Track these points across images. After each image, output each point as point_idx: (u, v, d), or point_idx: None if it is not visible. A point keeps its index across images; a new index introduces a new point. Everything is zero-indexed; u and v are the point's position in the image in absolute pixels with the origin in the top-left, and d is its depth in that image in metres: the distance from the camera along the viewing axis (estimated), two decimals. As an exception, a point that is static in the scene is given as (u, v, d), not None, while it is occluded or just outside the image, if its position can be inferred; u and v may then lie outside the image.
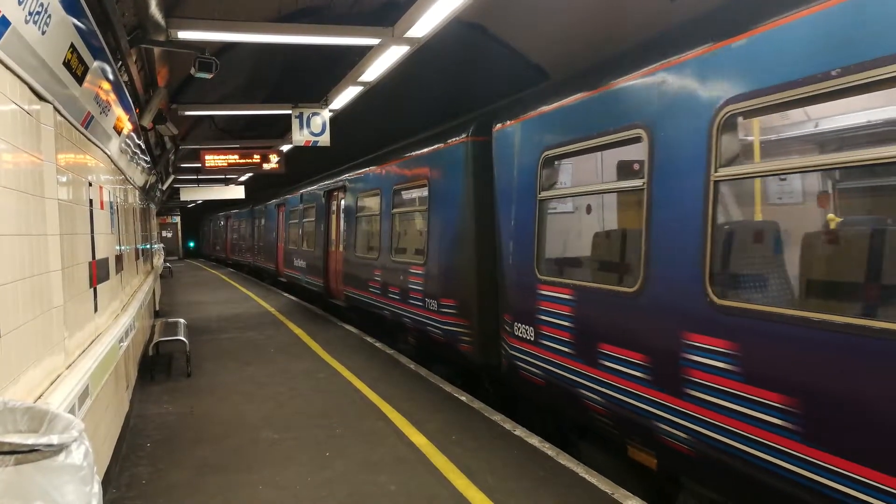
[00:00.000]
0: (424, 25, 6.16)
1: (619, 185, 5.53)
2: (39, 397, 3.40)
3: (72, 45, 3.93)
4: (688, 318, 4.09)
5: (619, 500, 4.53)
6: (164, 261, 28.70)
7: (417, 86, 11.50)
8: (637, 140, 4.63)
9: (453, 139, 8.00)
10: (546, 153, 5.82)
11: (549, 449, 5.56)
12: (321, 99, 10.08)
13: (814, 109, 4.16)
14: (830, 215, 4.72)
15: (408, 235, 10.00)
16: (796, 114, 4.26)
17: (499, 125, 6.86)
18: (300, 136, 10.21)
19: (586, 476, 4.95)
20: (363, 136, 14.47)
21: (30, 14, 3.04)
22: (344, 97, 9.59)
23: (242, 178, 23.46)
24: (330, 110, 10.26)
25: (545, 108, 5.96)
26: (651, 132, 4.45)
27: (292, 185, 19.84)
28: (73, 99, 4.51)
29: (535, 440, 5.78)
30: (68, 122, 4.72)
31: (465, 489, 4.79)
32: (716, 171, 3.91)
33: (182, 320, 10.84)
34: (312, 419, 6.61)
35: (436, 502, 4.60)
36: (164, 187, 21.23)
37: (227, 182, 25.06)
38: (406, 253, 9.78)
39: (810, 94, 3.32)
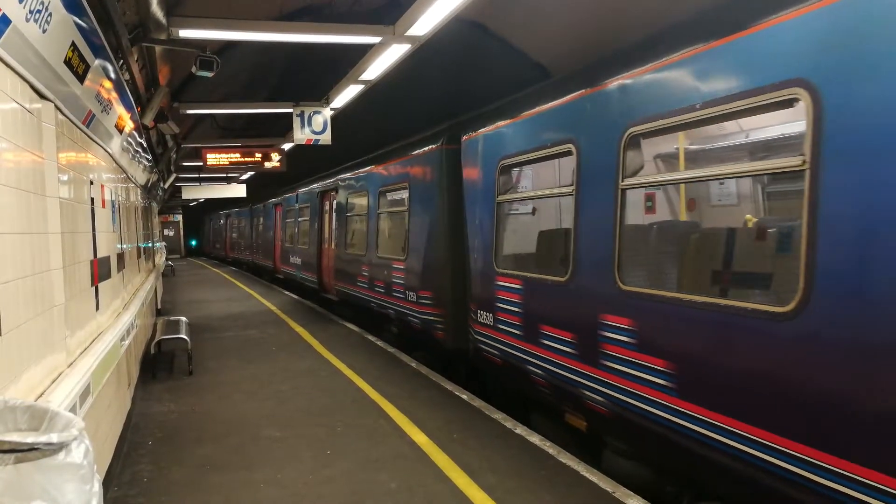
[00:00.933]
0: (425, 24, 6.15)
1: (556, 191, 6.27)
2: (40, 396, 3.41)
3: (73, 44, 3.92)
4: (603, 302, 4.97)
5: (621, 499, 4.52)
6: (166, 259, 28.72)
7: (418, 84, 11.50)
8: (569, 153, 5.53)
9: (429, 147, 8.93)
10: (502, 161, 6.71)
11: (549, 447, 5.56)
12: (322, 97, 10.08)
13: (689, 133, 5.01)
14: (694, 216, 5.77)
15: (391, 234, 10.81)
16: (679, 136, 5.05)
17: (466, 136, 7.74)
18: (301, 135, 10.21)
19: (587, 475, 4.95)
20: (364, 134, 14.47)
21: (31, 12, 3.04)
22: (345, 96, 9.58)
23: (244, 177, 23.48)
24: (331, 109, 10.26)
25: (501, 123, 6.84)
26: (578, 147, 5.36)
27: (290, 185, 20.49)
28: (74, 97, 4.51)
29: (535, 438, 5.78)
30: (70, 120, 4.72)
31: (466, 487, 4.79)
32: (622, 181, 4.79)
33: (184, 318, 10.86)
34: (314, 417, 6.62)
35: (437, 500, 4.61)
36: (166, 186, 21.25)
37: (228, 180, 25.09)
38: (390, 250, 10.61)
39: (686, 121, 4.21)
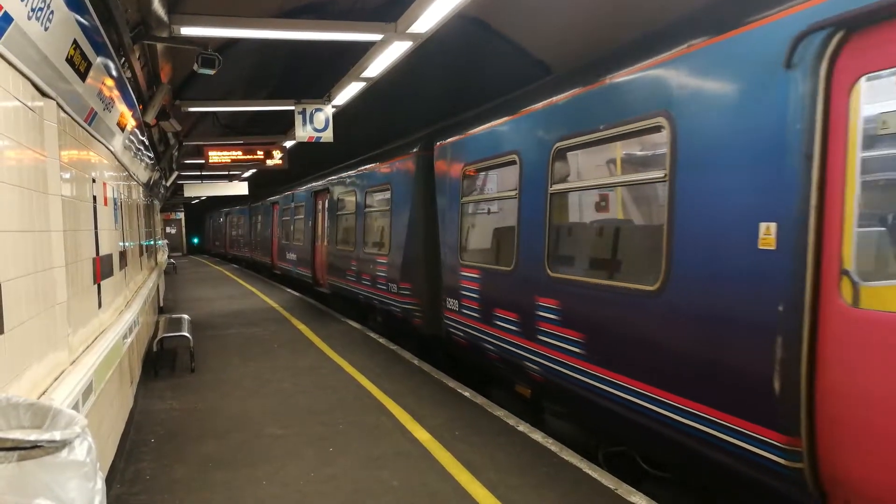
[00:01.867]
0: (427, 21, 6.14)
1: (505, 195, 7.03)
2: (43, 393, 3.42)
3: (74, 42, 3.92)
4: (537, 286, 5.99)
5: (623, 496, 4.53)
6: (168, 257, 28.74)
7: (420, 81, 11.48)
8: (514, 163, 6.52)
9: (407, 152, 9.90)
10: (465, 168, 7.76)
11: (552, 445, 5.56)
12: (324, 95, 10.07)
13: (596, 150, 5.74)
14: (597, 217, 6.87)
15: (376, 231, 11.63)
16: (593, 150, 5.84)
17: (437, 143, 8.71)
18: (303, 132, 10.22)
19: (590, 472, 4.96)
20: (366, 131, 14.47)
21: (32, 10, 3.04)
22: (347, 93, 9.58)
23: (246, 175, 23.48)
24: (333, 106, 10.26)
25: (465, 134, 7.81)
26: (520, 158, 6.39)
27: (287, 185, 21.37)
28: (76, 95, 4.51)
29: (538, 436, 5.79)
30: (71, 118, 4.73)
31: (469, 484, 4.79)
32: (551, 187, 5.83)
33: (186, 316, 10.86)
34: (316, 415, 6.62)
35: (439, 498, 4.61)
36: (168, 183, 21.27)
37: (230, 178, 25.09)
38: (375, 246, 11.50)
39: (594, 139, 5.23)
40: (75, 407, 3.60)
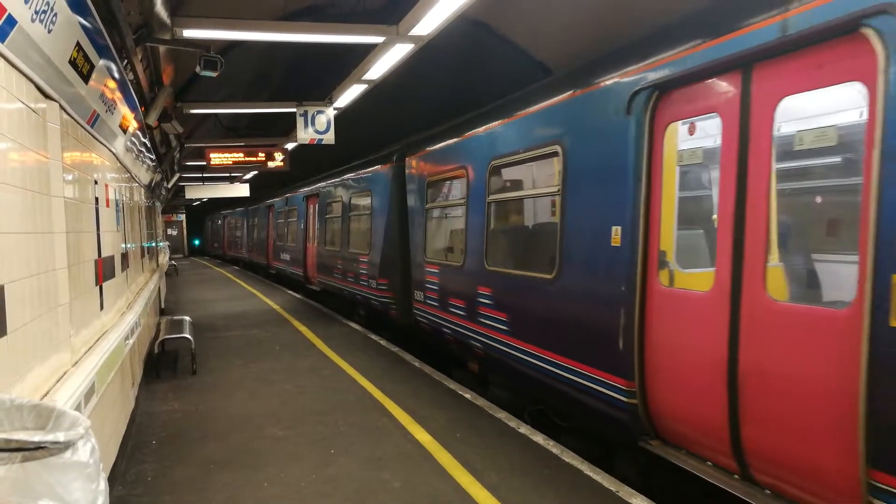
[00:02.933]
0: (429, 23, 6.16)
1: (457, 202, 8.31)
2: (46, 395, 3.42)
3: (77, 44, 3.94)
4: (478, 278, 7.36)
5: (624, 498, 4.53)
6: (170, 259, 28.76)
7: (422, 83, 11.49)
8: (463, 176, 7.82)
9: (384, 163, 11.19)
10: (428, 178, 9.07)
11: (553, 447, 5.56)
12: (326, 97, 10.09)
13: (521, 167, 7.06)
14: (518, 222, 8.07)
15: (359, 233, 12.81)
16: (517, 168, 7.13)
17: (407, 156, 10.06)
18: (305, 134, 10.23)
19: (591, 474, 4.96)
20: (368, 133, 14.48)
21: (36, 13, 3.05)
22: (348, 95, 9.60)
23: (247, 176, 23.49)
24: (334, 108, 10.28)
25: (427, 150, 9.20)
26: (467, 171, 7.66)
27: (281, 189, 22.73)
28: (78, 97, 4.52)
29: (539, 438, 5.79)
30: (74, 120, 4.74)
31: (469, 486, 4.80)
32: (489, 197, 7.20)
33: (187, 318, 10.87)
34: (317, 416, 6.63)
35: (440, 499, 4.61)
36: (170, 185, 21.28)
37: (231, 180, 25.09)
38: (357, 246, 12.70)
39: (516, 159, 6.58)
40: (78, 408, 3.61)
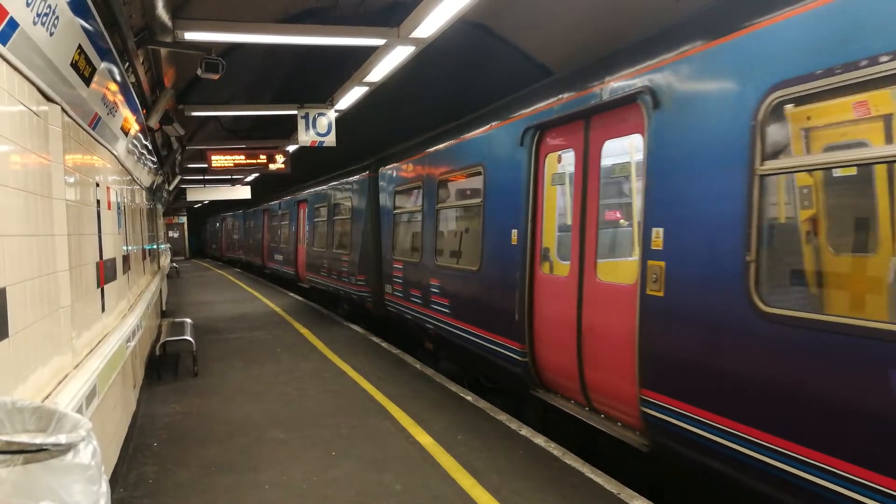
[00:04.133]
0: (430, 26, 6.16)
1: (416, 209, 9.88)
2: (47, 397, 3.42)
3: (79, 47, 3.94)
4: (431, 272, 8.89)
5: (625, 500, 4.52)
6: (171, 261, 28.78)
7: (423, 86, 11.50)
8: (420, 187, 9.54)
9: (361, 173, 12.88)
10: (395, 188, 10.83)
11: (554, 449, 5.56)
12: (327, 99, 10.09)
13: (459, 181, 8.66)
14: (458, 226, 9.06)
15: (341, 235, 14.37)
16: (457, 183, 8.72)
17: (380, 168, 11.74)
18: (306, 137, 10.23)
19: (592, 476, 4.95)
20: (369, 135, 14.49)
21: (38, 16, 3.05)
22: (350, 97, 9.60)
23: (248, 179, 23.50)
24: (336, 111, 10.28)
25: (394, 164, 10.92)
26: (423, 185, 9.39)
27: (275, 194, 24.34)
28: (80, 100, 4.53)
29: (540, 440, 5.78)
30: (76, 123, 4.75)
31: (471, 489, 4.79)
32: (437, 205, 8.78)
33: (189, 320, 10.87)
34: (318, 419, 6.63)
35: (442, 501, 4.61)
36: (171, 188, 21.29)
37: (233, 182, 25.10)
38: (340, 246, 14.27)
39: (455, 176, 8.23)
40: (79, 410, 3.60)
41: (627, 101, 4.80)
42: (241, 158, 13.04)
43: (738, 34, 3.86)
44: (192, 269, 33.93)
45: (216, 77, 6.78)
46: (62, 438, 2.15)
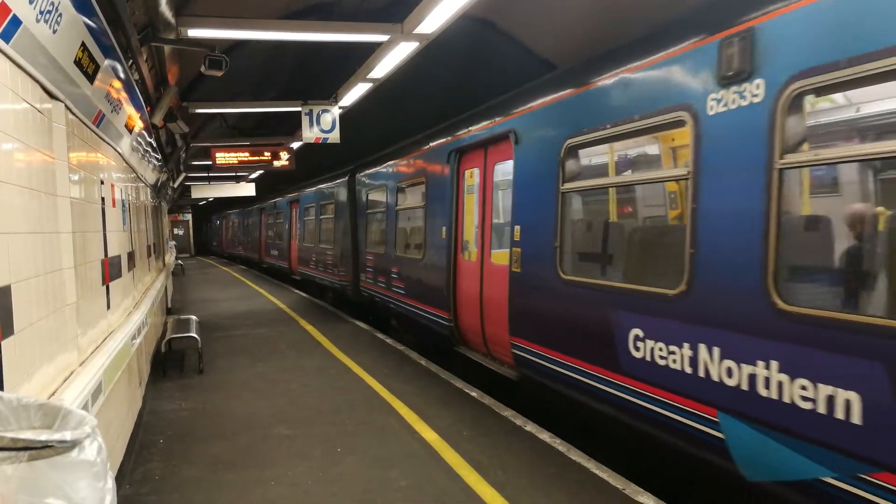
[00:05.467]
0: (433, 21, 6.14)
1: (382, 209, 11.61)
2: (53, 394, 3.43)
3: (83, 44, 3.94)
4: (391, 261, 10.80)
5: (631, 496, 4.51)
6: (176, 258, 28.84)
7: (427, 81, 11.48)
8: (385, 192, 11.38)
9: (342, 177, 14.51)
10: (367, 191, 12.74)
11: (560, 444, 5.55)
12: (331, 96, 10.09)
13: (410, 189, 10.51)
14: (409, 224, 10.61)
15: (328, 232, 16.07)
16: (409, 189, 10.45)
17: (357, 174, 13.62)
18: (310, 134, 10.23)
19: (598, 472, 4.94)
20: (373, 132, 14.49)
21: (41, 13, 3.05)
22: (353, 94, 9.60)
23: (253, 176, 23.52)
24: (339, 107, 10.27)
25: (367, 171, 12.73)
26: (388, 189, 11.18)
27: (274, 193, 25.88)
28: (84, 97, 4.53)
29: (545, 436, 5.78)
30: (80, 120, 4.75)
31: (476, 484, 4.79)
32: (396, 206, 10.61)
33: (194, 317, 10.90)
34: (324, 415, 6.64)
35: (446, 497, 4.61)
36: (176, 185, 21.34)
37: (237, 179, 25.13)
38: (326, 242, 16.10)
39: (408, 184, 10.27)
40: (85, 407, 3.62)
41: (505, 136, 6.75)
42: (245, 156, 13.05)
43: (552, 100, 5.90)
44: (197, 267, 34.01)
45: (220, 74, 6.79)
46: (67, 435, 2.15)
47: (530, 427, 6.03)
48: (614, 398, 4.89)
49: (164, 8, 5.50)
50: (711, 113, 4.01)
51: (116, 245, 6.36)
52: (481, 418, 6.35)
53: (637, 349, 4.63)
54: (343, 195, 14.23)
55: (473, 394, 7.20)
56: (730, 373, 3.80)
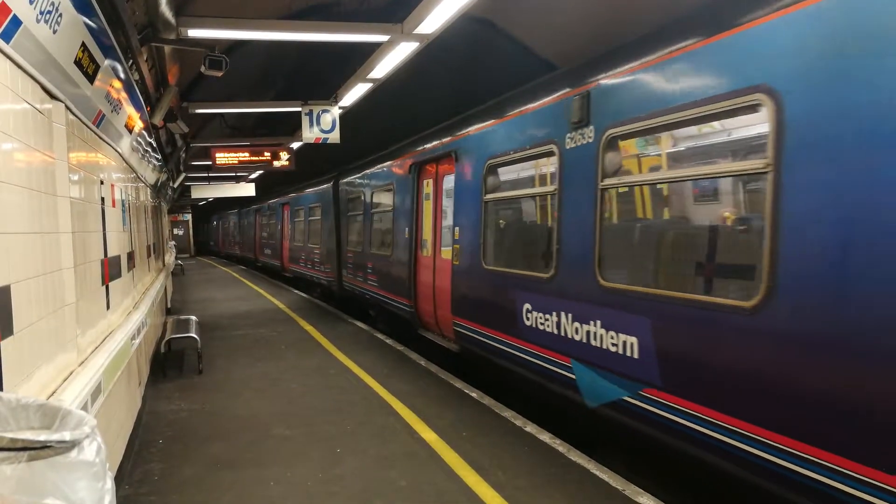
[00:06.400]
0: (433, 21, 6.15)
1: (359, 212, 13.18)
2: (52, 394, 3.43)
3: (83, 44, 3.94)
4: (367, 258, 12.49)
5: (631, 497, 4.51)
6: (176, 258, 28.85)
7: (427, 81, 11.49)
8: (362, 196, 12.96)
9: (327, 182, 16.14)
10: (348, 196, 14.33)
11: (559, 445, 5.55)
12: (331, 96, 10.09)
13: (378, 194, 12.31)
14: (382, 225, 11.86)
15: (315, 233, 17.57)
16: (382, 194, 11.91)
17: (340, 179, 15.19)
18: (310, 134, 10.23)
19: (598, 472, 4.94)
20: (373, 132, 14.49)
21: (41, 13, 3.05)
22: (353, 94, 9.59)
23: (253, 176, 23.52)
24: (340, 107, 10.27)
25: (349, 177, 14.29)
26: (364, 195, 12.87)
27: (268, 196, 27.28)
28: (84, 98, 4.53)
29: (545, 436, 5.78)
30: (80, 120, 4.75)
31: (476, 485, 4.79)
32: (371, 210, 12.37)
33: (194, 317, 10.90)
34: (323, 415, 6.63)
35: (446, 498, 4.61)
36: (176, 185, 21.34)
37: (237, 179, 25.12)
38: (314, 242, 17.58)
39: (383, 189, 11.77)
40: (84, 407, 3.61)
41: (449, 154, 8.22)
42: (245, 156, 13.04)
43: (479, 128, 7.40)
44: (197, 267, 34.01)
45: (220, 74, 6.79)
46: (66, 435, 2.15)
47: (530, 428, 6.03)
48: (518, 359, 6.39)
49: (164, 8, 5.51)
50: (568, 147, 5.49)
51: (116, 245, 6.36)
52: (481, 418, 6.35)
53: (528, 319, 6.16)
54: (328, 199, 15.88)
55: (473, 394, 7.19)
56: (577, 331, 5.34)
